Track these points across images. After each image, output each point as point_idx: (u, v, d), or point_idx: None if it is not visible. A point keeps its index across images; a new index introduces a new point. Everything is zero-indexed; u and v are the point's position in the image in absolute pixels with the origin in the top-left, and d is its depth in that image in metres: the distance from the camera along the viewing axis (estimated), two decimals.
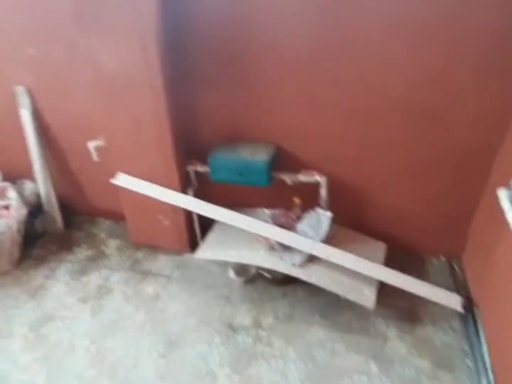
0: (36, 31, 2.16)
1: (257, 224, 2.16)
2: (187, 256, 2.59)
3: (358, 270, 2.04)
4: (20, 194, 2.57)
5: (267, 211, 2.38)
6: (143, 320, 2.23)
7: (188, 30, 1.98)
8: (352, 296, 2.04)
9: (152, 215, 2.47)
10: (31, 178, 2.66)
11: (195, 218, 2.47)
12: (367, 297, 2.04)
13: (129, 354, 2.06)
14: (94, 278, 2.50)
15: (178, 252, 2.62)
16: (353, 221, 2.44)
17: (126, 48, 1.86)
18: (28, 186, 2.66)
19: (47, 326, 2.22)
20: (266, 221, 2.23)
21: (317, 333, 2.13)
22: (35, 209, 2.65)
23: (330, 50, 1.91)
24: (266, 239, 2.19)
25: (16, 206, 2.48)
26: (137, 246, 2.70)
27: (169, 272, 2.52)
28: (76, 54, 2.08)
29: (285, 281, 2.31)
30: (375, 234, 2.41)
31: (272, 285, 2.38)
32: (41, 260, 2.63)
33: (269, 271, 2.29)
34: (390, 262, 2.24)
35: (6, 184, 2.58)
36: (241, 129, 2.26)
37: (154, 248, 2.67)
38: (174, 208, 2.33)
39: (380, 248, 2.35)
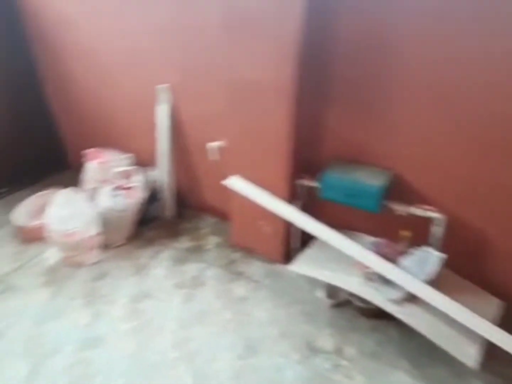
0: (184, 36, 2.40)
1: (358, 250, 2.08)
2: (280, 266, 2.61)
3: (464, 323, 1.83)
4: (144, 179, 2.86)
5: (371, 239, 2.28)
6: (228, 319, 2.29)
7: (326, 48, 2.02)
8: (452, 349, 1.83)
9: (255, 220, 2.54)
10: (156, 166, 2.95)
11: (295, 231, 2.48)
12: (470, 355, 1.81)
13: (210, 347, 2.13)
14: (191, 269, 2.65)
15: (272, 260, 2.65)
16: (467, 269, 2.20)
17: (266, 58, 1.97)
18: (151, 173, 2.95)
19: (144, 303, 2.41)
20: (368, 249, 2.14)
21: (402, 380, 1.96)
22: (154, 195, 2.93)
23: (474, 84, 1.78)
24: (364, 266, 2.10)
25: (139, 189, 2.76)
26: (235, 247, 2.80)
27: (260, 278, 2.55)
28: (216, 58, 2.27)
29: (377, 314, 2.18)
30: (492, 288, 2.14)
31: (362, 315, 2.26)
32: (149, 242, 2.88)
33: (361, 300, 2.18)
34: (507, 324, 1.97)
35: (134, 168, 2.90)
36: (360, 151, 2.22)
37: (250, 252, 2.74)
38: (277, 217, 2.36)
39: (495, 304, 2.07)
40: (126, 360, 2.08)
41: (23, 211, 2.93)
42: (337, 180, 2.12)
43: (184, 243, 2.87)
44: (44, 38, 3.11)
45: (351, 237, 2.17)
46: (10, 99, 3.25)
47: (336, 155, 2.27)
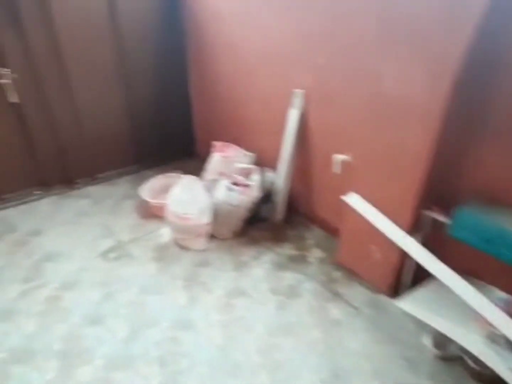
0: (331, 43, 2.35)
1: (485, 304, 1.79)
2: (384, 297, 2.40)
3: None
4: (261, 179, 2.89)
5: (501, 294, 1.96)
6: (318, 338, 2.17)
7: (494, 64, 1.77)
8: None
9: (366, 243, 2.38)
10: (274, 168, 2.97)
11: (410, 264, 2.25)
12: None
13: (294, 362, 2.04)
14: (290, 277, 2.59)
15: (377, 289, 2.46)
16: None
17: (419, 73, 1.81)
18: (269, 174, 2.98)
19: (237, 299, 2.43)
20: (496, 304, 1.83)
21: None
22: (267, 196, 2.94)
23: None
24: (487, 324, 1.80)
25: (255, 188, 2.80)
26: (339, 265, 2.67)
27: (360, 304, 2.38)
28: (361, 69, 2.17)
29: (492, 382, 1.85)
30: None
31: (472, 378, 1.95)
32: (254, 241, 2.90)
33: (476, 361, 1.88)
34: None
35: (254, 167, 2.95)
36: (508, 192, 1.91)
37: (353, 274, 2.58)
38: (392, 245, 2.17)
39: None
40: (212, 350, 2.11)
41: (149, 189, 3.20)
42: (476, 220, 1.85)
43: (287, 249, 2.83)
44: (195, 30, 3.36)
45: (477, 287, 1.88)
46: (158, 83, 3.58)
47: (478, 191, 1.99)
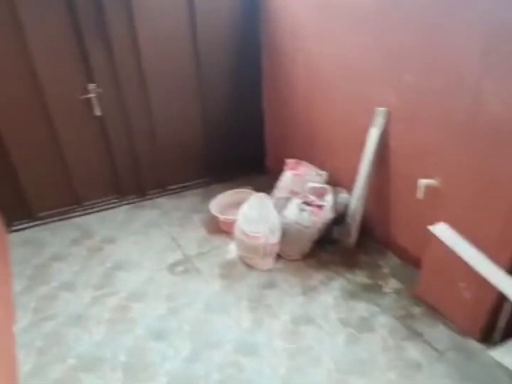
0: (422, 59, 2.16)
1: None
2: (473, 342, 2.11)
3: None
4: (334, 199, 2.74)
5: None
6: (393, 382, 1.96)
7: None
8: None
9: (453, 278, 2.12)
10: (349, 189, 2.80)
11: (508, 308, 1.97)
12: None
13: None
14: (361, 308, 2.39)
15: (463, 331, 2.17)
16: None
17: None
18: (342, 195, 2.82)
19: (305, 327, 2.29)
20: None
21: None
22: (339, 218, 2.78)
23: None
24: None
25: (328, 209, 2.66)
26: (418, 299, 2.41)
27: (443, 348, 2.12)
28: (457, 87, 1.96)
29: None
30: None
31: None
32: (323, 265, 2.75)
33: None
34: None
35: (327, 187, 2.81)
36: None
37: (435, 311, 2.32)
38: (486, 285, 1.91)
39: None
40: (276, 381, 1.98)
41: (218, 203, 3.18)
42: None
43: (360, 277, 2.63)
44: (271, 45, 3.32)
45: None
46: (232, 97, 3.58)
47: None
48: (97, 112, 3.09)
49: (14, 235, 3.19)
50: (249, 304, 2.46)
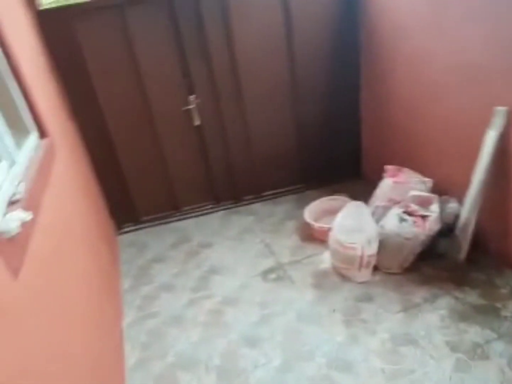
0: None
1: None
2: None
3: None
4: (441, 209, 2.49)
5: None
6: None
7: None
8: None
9: None
10: (459, 198, 2.52)
11: None
12: None
13: None
14: (474, 332, 2.11)
15: None
16: None
17: None
18: (451, 205, 2.54)
19: (406, 347, 2.10)
20: None
21: None
22: (446, 229, 2.52)
23: None
24: None
25: (433, 219, 2.42)
26: None
27: None
28: None
29: None
30: None
31: None
32: (427, 280, 2.50)
33: None
34: None
35: (432, 195, 2.56)
36: None
37: None
38: None
39: None
40: None
41: (312, 210, 3.11)
42: None
43: (471, 296, 2.34)
44: (371, 46, 3.16)
45: None
46: (328, 101, 3.49)
47: None
48: (197, 122, 3.25)
49: (122, 237, 3.50)
50: (343, 317, 2.34)
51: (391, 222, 2.49)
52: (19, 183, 1.52)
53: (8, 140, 1.64)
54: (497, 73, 2.17)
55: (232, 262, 2.97)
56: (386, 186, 2.73)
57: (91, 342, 1.78)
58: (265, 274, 2.80)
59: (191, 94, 3.16)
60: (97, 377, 1.71)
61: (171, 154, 3.36)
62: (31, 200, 1.45)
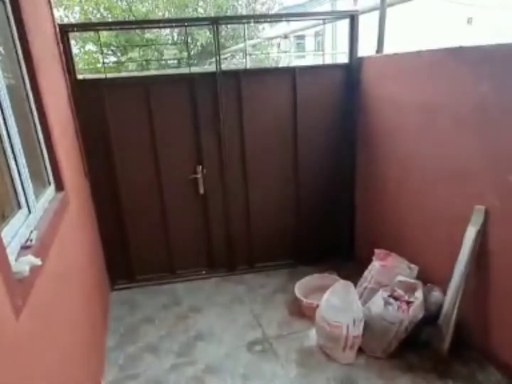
0: None
1: None
2: None
3: None
4: (425, 297, 2.57)
5: None
6: None
7: None
8: None
9: None
10: (443, 288, 2.61)
11: None
12: None
13: None
14: None
15: None
16: None
17: None
18: (435, 293, 2.62)
19: None
20: None
21: None
22: (430, 318, 2.57)
23: None
24: None
25: (417, 306, 2.49)
26: None
27: None
28: None
29: None
30: None
31: None
32: (410, 368, 2.50)
33: None
34: None
35: (418, 282, 2.66)
36: None
37: None
38: None
39: None
40: None
41: (302, 286, 3.18)
42: None
43: None
44: (367, 137, 3.45)
45: None
46: (325, 186, 3.72)
47: None
48: (201, 190, 3.46)
49: (115, 294, 3.54)
50: None
51: (377, 304, 2.56)
52: (32, 230, 1.67)
53: (30, 191, 1.81)
54: (478, 175, 2.39)
55: (219, 330, 2.98)
56: (374, 269, 2.83)
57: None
58: (250, 345, 2.80)
59: (199, 164, 3.41)
60: None
61: (174, 218, 3.53)
62: (41, 247, 1.58)
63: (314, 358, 2.65)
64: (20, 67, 2.01)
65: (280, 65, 10.29)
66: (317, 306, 2.73)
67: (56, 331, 1.71)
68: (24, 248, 1.52)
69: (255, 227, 3.69)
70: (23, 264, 1.28)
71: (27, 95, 2.05)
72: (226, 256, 3.73)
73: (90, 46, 11.09)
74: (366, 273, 2.92)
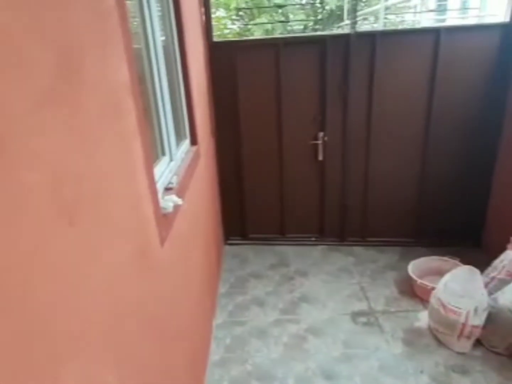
0: None
1: None
2: None
3: None
4: None
5: None
6: None
7: None
8: None
9: None
10: None
11: None
12: None
13: None
14: None
15: None
16: None
17: None
18: None
19: None
20: None
21: None
22: None
23: None
24: None
25: None
26: None
27: None
28: None
29: None
30: None
31: None
32: None
33: None
34: None
35: None
36: None
37: None
38: None
39: None
40: None
41: (418, 266, 3.01)
42: None
43: None
44: None
45: None
46: (458, 163, 3.37)
47: None
48: (320, 157, 3.44)
49: (227, 247, 3.80)
50: (431, 381, 2.22)
51: (507, 297, 2.31)
52: (173, 175, 1.86)
53: (173, 142, 2.01)
54: None
55: (324, 296, 3.02)
56: (508, 258, 2.53)
57: (194, 315, 2.03)
58: (355, 315, 2.79)
59: (321, 131, 3.38)
60: (188, 338, 1.94)
61: (290, 183, 3.60)
62: (180, 190, 1.76)
63: (423, 340, 2.53)
64: (171, 25, 2.19)
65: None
66: (432, 288, 2.58)
67: (188, 262, 1.94)
68: (167, 189, 1.71)
69: (372, 200, 3.56)
70: (168, 202, 1.45)
71: (174, 55, 2.24)
72: (338, 225, 3.70)
73: (221, 12, 11.52)
74: (496, 262, 2.62)
